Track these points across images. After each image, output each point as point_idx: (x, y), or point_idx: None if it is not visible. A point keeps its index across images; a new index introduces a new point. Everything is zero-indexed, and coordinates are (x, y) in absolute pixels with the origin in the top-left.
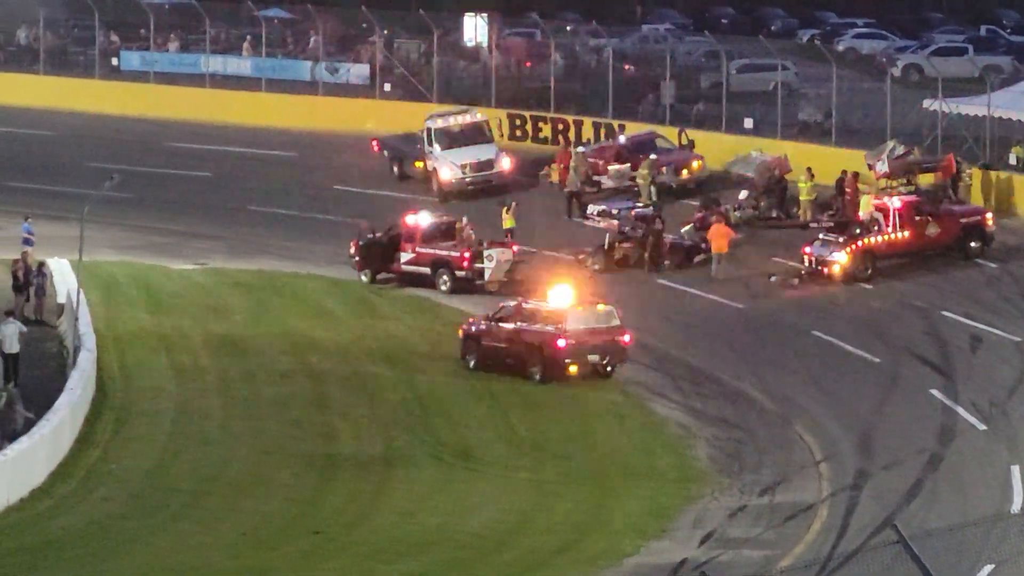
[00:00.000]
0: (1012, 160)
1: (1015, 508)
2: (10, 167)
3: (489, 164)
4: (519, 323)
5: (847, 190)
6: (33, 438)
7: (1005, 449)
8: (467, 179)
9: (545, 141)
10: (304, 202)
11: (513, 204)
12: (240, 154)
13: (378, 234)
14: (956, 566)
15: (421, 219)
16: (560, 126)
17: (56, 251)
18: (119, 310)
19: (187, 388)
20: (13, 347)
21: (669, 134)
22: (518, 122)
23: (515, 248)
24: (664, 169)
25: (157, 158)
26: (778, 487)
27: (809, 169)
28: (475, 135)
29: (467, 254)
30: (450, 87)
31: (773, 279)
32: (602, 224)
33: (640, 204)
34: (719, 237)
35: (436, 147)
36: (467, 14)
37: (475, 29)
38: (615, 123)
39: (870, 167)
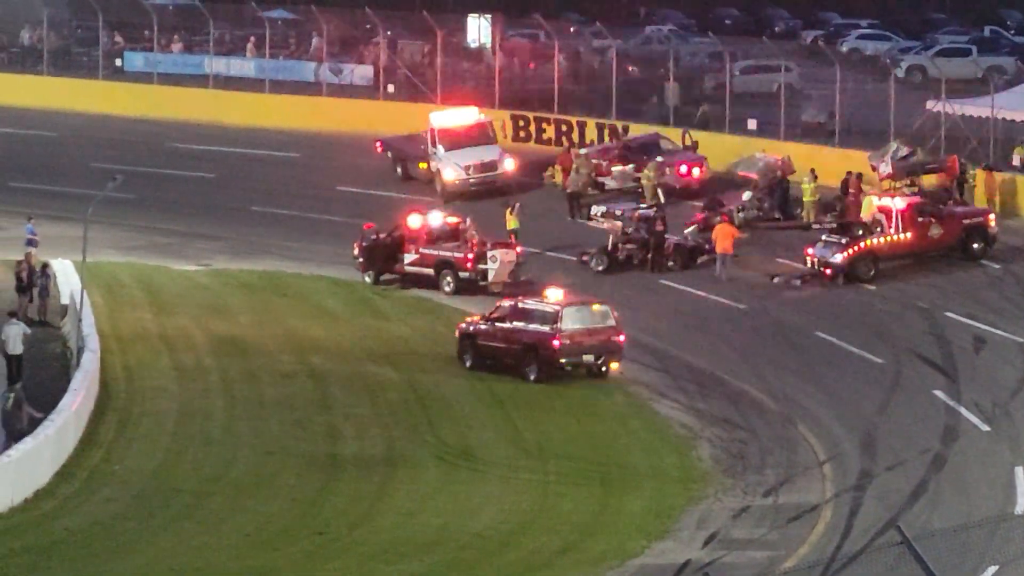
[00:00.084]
0: (1015, 161)
1: (1019, 509)
2: (13, 168)
3: (493, 165)
4: (515, 322)
5: (851, 191)
6: (37, 439)
7: (1008, 450)
8: (471, 180)
9: (549, 142)
10: (307, 203)
11: (517, 205)
12: (243, 155)
13: (382, 235)
14: (960, 567)
15: (432, 219)
16: (564, 127)
17: (59, 252)
18: (122, 311)
19: (190, 389)
20: (17, 348)
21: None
22: (522, 123)
23: (519, 249)
24: (668, 171)
25: (160, 159)
26: (782, 488)
27: (813, 170)
28: (479, 136)
29: (471, 255)
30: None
31: (776, 280)
32: (605, 225)
33: (644, 205)
34: (724, 238)
35: (440, 148)
36: (470, 15)
37: (479, 30)
38: (619, 124)
39: (873, 168)
